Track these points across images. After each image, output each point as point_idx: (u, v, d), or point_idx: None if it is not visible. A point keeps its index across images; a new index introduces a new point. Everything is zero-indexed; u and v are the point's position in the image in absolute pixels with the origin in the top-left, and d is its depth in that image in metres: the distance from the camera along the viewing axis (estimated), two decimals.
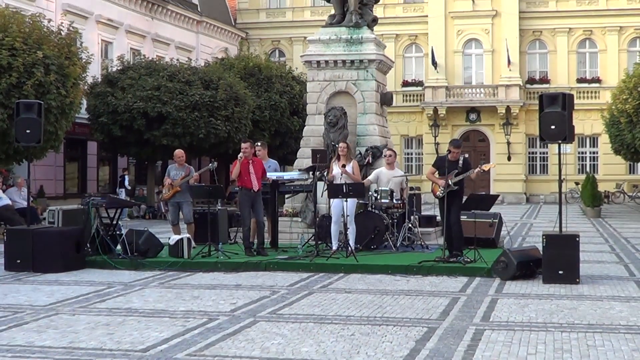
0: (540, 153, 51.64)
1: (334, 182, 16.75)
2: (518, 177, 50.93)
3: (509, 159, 50.64)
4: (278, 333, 9.51)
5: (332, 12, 22.44)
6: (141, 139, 33.21)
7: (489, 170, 16.28)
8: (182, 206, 18.12)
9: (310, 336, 9.33)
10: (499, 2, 51.08)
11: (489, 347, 8.76)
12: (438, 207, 15.86)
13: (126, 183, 37.43)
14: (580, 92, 50.69)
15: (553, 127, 14.02)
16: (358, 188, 16.26)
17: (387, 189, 17.59)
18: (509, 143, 50.62)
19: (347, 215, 16.21)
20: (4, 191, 24.73)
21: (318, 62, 21.25)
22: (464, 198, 15.85)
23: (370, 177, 18.20)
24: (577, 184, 45.12)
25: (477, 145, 51.37)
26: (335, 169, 17.03)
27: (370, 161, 19.99)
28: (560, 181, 14.63)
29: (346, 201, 16.14)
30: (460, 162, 15.35)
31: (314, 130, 21.13)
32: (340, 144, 17.33)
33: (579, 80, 51.55)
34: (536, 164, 52.24)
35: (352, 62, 21.03)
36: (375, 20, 22.19)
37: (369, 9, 22.01)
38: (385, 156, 18.49)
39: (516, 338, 9.18)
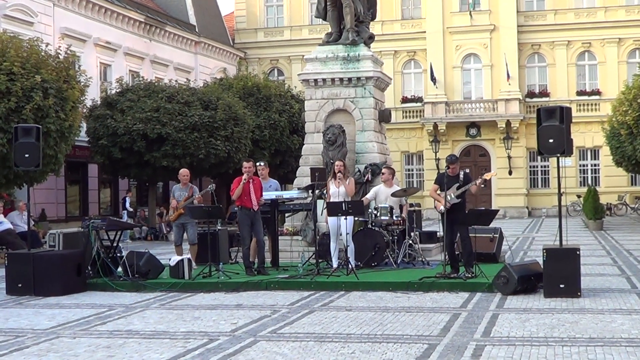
0: (541, 167, 51.67)
1: (331, 201, 16.77)
2: (519, 191, 50.92)
3: (510, 173, 50.66)
4: (278, 352, 9.52)
5: (330, 30, 22.50)
6: (141, 160, 33.26)
7: (490, 179, 16.27)
8: (187, 227, 18.13)
9: (310, 355, 9.34)
10: (497, 17, 51.24)
11: None
12: (440, 223, 15.89)
13: (127, 205, 37.46)
14: (580, 105, 50.88)
15: (551, 140, 14.06)
16: (357, 206, 16.28)
17: (387, 205, 17.60)
18: (509, 157, 50.66)
19: (347, 233, 16.23)
20: (5, 215, 24.80)
21: (315, 80, 21.31)
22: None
23: (368, 196, 18.20)
24: (579, 196, 45.09)
25: (478, 160, 51.42)
26: (332, 188, 17.05)
27: (370, 178, 20.02)
28: (560, 194, 14.66)
29: (346, 219, 16.16)
30: (461, 176, 15.39)
31: (312, 148, 21.18)
32: (337, 162, 17.34)
33: (579, 93, 51.64)
34: (537, 178, 52.25)
35: (350, 79, 21.09)
36: (372, 38, 22.26)
37: (365, 27, 22.09)
38: (383, 174, 18.52)
39: (517, 353, 9.19)
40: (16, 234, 23.84)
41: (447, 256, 15.40)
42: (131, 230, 32.62)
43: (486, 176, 15.68)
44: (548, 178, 51.54)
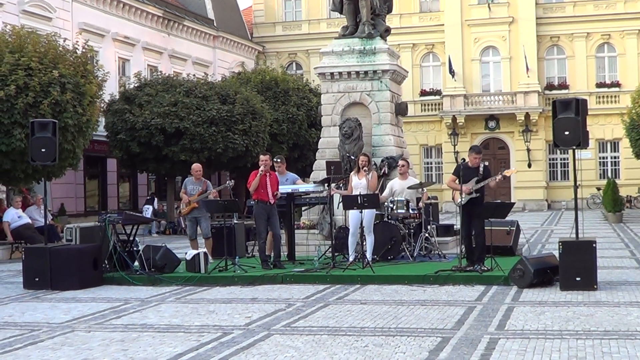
0: (560, 159, 51.42)
1: (351, 194, 16.71)
2: (539, 183, 50.72)
3: (529, 165, 50.46)
4: (291, 346, 9.51)
5: (346, 23, 22.46)
6: (160, 154, 33.39)
7: (510, 176, 16.17)
8: (200, 221, 18.16)
9: (323, 348, 9.32)
10: (516, 9, 51.02)
11: (502, 356, 8.72)
12: (459, 215, 15.79)
13: (155, 204, 37.13)
14: (599, 97, 50.67)
15: (567, 133, 13.97)
16: (372, 199, 16.23)
17: (403, 199, 17.56)
18: (529, 150, 50.47)
19: (366, 226, 16.18)
20: (24, 210, 24.93)
21: (332, 74, 21.30)
22: None
23: (384, 194, 18.14)
24: (598, 189, 44.87)
25: (497, 152, 51.23)
26: (355, 180, 17.00)
27: (387, 171, 19.98)
28: (576, 187, 14.58)
29: (361, 212, 16.09)
30: (481, 169, 15.31)
31: (329, 142, 21.17)
32: (361, 157, 17.22)
33: (598, 85, 51.36)
34: (557, 170, 52.01)
35: (366, 73, 21.05)
36: (388, 31, 22.21)
37: (381, 20, 22.03)
38: (398, 166, 18.49)
39: (530, 346, 9.13)
40: (34, 229, 23.98)
41: (463, 249, 15.34)
42: (149, 225, 32.72)
43: (506, 173, 15.64)
44: (567, 171, 51.24)
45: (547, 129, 49.29)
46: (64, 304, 13.57)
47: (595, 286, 13.35)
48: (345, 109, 21.22)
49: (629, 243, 23.31)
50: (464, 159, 15.65)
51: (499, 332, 10.10)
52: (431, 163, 53.47)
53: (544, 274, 13.97)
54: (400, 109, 21.83)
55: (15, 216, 24.08)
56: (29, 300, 14.25)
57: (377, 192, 17.28)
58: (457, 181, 15.50)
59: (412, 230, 17.87)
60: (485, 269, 14.94)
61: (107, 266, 16.22)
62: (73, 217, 33.40)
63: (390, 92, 21.17)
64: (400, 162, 18.56)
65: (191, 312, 12.31)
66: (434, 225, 18.98)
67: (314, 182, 19.22)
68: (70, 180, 34.59)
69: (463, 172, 15.27)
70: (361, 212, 16.15)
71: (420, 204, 17.85)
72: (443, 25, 52.39)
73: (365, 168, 16.84)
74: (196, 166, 18.60)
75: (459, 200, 15.27)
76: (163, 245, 16.86)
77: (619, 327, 10.17)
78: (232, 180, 18.74)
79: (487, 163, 16.04)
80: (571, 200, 48.02)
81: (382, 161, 20.25)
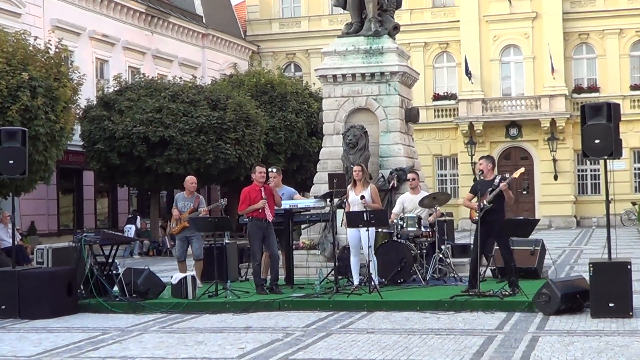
0: (591, 170, 51.35)
1: (351, 210, 16.67)
2: (567, 198, 50.65)
3: (555, 178, 50.47)
4: None
5: (350, 20, 22.49)
6: (142, 166, 33.37)
7: (520, 176, 16.14)
8: (192, 241, 18.07)
9: None
10: (540, 3, 51.08)
11: None
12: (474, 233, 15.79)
13: (138, 223, 37.10)
14: (634, 101, 50.71)
15: (597, 141, 13.97)
16: (380, 216, 16.21)
17: (414, 215, 17.54)
18: (555, 160, 50.46)
19: (369, 247, 16.13)
20: None
21: (334, 76, 21.32)
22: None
23: (395, 210, 18.15)
24: (633, 204, 44.82)
25: (519, 163, 50.60)
26: (352, 196, 16.94)
27: (396, 185, 19.97)
28: (608, 201, 14.55)
29: (367, 230, 16.04)
30: (496, 181, 15.31)
31: (331, 152, 21.18)
32: (355, 167, 17.18)
33: (633, 88, 51.34)
34: (587, 183, 51.96)
35: (372, 75, 21.07)
36: (397, 28, 22.23)
37: (389, 16, 22.06)
38: (408, 180, 18.50)
39: None
40: (1, 250, 23.93)
41: (482, 270, 15.32)
42: (130, 244, 32.74)
43: (515, 175, 15.61)
44: (598, 183, 51.14)
45: (576, 136, 49.26)
46: (34, 335, 13.54)
47: (630, 313, 13.30)
48: (350, 116, 21.24)
49: None
50: (481, 171, 15.62)
51: None
52: (445, 175, 53.49)
53: (572, 299, 13.94)
54: (411, 115, 21.85)
55: None
56: None
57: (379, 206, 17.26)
58: (473, 200, 15.49)
59: (424, 251, 17.83)
60: (507, 293, 14.91)
61: (83, 292, 16.18)
62: (45, 236, 33.39)
63: (399, 96, 21.19)
64: (410, 176, 18.55)
65: (177, 343, 12.29)
66: (448, 245, 18.96)
67: (315, 197, 19.20)
68: (42, 196, 34.58)
69: (480, 187, 15.29)
70: (367, 230, 16.07)
71: (431, 218, 17.79)
72: (458, 21, 52.48)
73: (357, 178, 16.77)
74: (190, 179, 18.53)
75: (475, 216, 15.28)
76: (146, 268, 16.85)
77: None
78: (225, 199, 18.70)
79: (507, 175, 15.91)
80: (603, 217, 47.80)
81: (391, 173, 20.25)
